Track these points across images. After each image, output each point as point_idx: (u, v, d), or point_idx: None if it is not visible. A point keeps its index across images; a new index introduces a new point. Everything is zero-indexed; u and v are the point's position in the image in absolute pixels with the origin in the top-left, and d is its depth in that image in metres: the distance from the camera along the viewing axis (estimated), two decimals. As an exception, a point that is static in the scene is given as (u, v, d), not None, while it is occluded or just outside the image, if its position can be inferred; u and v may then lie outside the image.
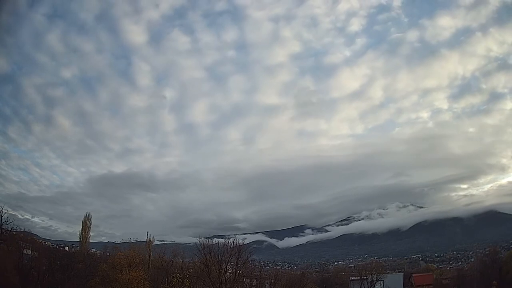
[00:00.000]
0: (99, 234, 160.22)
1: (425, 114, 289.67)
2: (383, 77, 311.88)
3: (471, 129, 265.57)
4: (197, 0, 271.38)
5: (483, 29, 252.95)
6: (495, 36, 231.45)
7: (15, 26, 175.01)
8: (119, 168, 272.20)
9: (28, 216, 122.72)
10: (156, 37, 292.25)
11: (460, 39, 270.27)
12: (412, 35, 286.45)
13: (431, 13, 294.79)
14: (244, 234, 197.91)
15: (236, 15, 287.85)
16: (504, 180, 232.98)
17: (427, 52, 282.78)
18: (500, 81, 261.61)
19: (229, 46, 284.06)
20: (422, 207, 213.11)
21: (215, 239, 60.61)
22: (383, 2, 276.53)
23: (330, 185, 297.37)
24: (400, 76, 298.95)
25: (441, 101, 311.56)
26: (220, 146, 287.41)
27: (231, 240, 49.94)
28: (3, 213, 49.14)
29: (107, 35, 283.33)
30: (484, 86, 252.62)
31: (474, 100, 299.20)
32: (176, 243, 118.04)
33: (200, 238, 51.17)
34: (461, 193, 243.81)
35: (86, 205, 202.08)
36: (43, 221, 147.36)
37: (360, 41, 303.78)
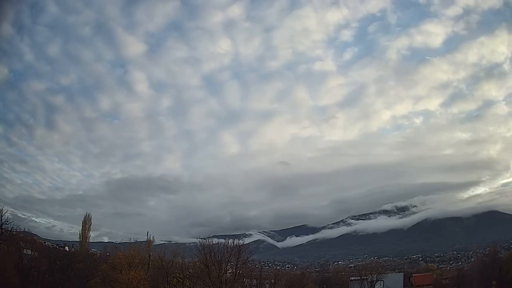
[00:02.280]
0: (105, 235, 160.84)
1: (417, 120, 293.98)
2: (374, 84, 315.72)
3: (466, 134, 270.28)
4: (192, 12, 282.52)
5: (473, 37, 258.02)
6: (485, 44, 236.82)
7: (17, 36, 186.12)
8: (130, 172, 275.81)
9: (34, 218, 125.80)
10: (154, 47, 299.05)
11: (450, 47, 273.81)
12: (403, 43, 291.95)
13: (421, 22, 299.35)
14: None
15: (229, 25, 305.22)
16: (504, 180, 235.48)
17: (417, 60, 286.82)
18: (492, 88, 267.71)
19: (225, 55, 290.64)
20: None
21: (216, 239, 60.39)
22: (373, 11, 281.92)
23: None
24: (391, 83, 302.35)
25: (434, 107, 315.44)
26: (248, 148, 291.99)
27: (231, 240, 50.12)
28: (3, 213, 49.35)
29: (106, 45, 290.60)
30: (476, 93, 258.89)
31: (467, 106, 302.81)
32: (178, 243, 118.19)
33: (199, 238, 51.31)
34: (462, 194, 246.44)
35: (97, 208, 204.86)
36: (48, 222, 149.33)
37: (351, 50, 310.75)
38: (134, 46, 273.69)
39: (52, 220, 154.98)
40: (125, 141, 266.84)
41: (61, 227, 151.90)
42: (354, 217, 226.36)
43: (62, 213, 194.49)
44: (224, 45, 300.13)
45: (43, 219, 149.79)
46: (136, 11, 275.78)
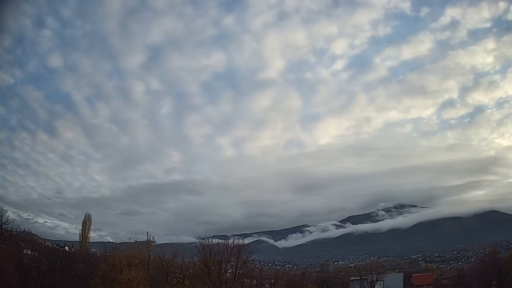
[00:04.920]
0: (110, 235, 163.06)
1: (409, 126, 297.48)
2: (364, 93, 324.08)
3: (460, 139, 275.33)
4: (188, 24, 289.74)
5: (463, 46, 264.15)
6: (477, 53, 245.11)
7: (20, 47, 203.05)
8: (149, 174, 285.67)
9: (39, 219, 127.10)
10: (152, 58, 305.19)
11: (440, 57, 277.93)
12: (393, 53, 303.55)
13: (411, 32, 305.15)
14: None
15: (223, 37, 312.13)
16: (504, 181, 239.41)
17: (408, 68, 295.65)
18: (482, 95, 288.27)
19: (220, 65, 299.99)
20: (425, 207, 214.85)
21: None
22: (363, 22, 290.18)
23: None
24: (381, 91, 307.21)
25: (429, 113, 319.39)
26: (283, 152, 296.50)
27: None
28: (3, 213, 49.45)
29: (106, 55, 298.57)
30: (468, 100, 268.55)
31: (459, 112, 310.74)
32: (178, 243, 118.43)
33: (199, 238, 51.33)
34: (462, 195, 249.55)
35: (110, 209, 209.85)
36: (52, 222, 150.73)
37: (342, 61, 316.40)
38: (133, 57, 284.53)
39: (57, 221, 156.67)
40: (138, 145, 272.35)
41: (66, 228, 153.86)
42: (353, 218, 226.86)
43: (72, 214, 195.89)
44: (218, 55, 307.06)
45: (51, 220, 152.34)
46: (134, 25, 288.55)
